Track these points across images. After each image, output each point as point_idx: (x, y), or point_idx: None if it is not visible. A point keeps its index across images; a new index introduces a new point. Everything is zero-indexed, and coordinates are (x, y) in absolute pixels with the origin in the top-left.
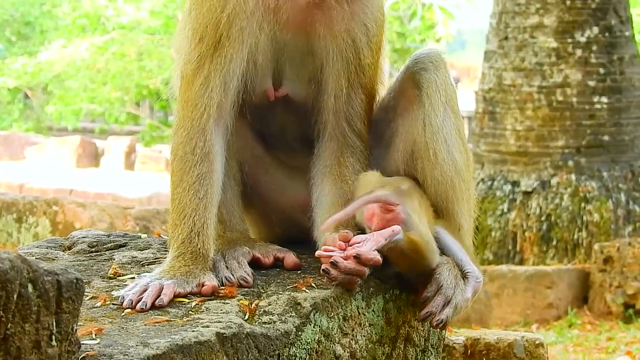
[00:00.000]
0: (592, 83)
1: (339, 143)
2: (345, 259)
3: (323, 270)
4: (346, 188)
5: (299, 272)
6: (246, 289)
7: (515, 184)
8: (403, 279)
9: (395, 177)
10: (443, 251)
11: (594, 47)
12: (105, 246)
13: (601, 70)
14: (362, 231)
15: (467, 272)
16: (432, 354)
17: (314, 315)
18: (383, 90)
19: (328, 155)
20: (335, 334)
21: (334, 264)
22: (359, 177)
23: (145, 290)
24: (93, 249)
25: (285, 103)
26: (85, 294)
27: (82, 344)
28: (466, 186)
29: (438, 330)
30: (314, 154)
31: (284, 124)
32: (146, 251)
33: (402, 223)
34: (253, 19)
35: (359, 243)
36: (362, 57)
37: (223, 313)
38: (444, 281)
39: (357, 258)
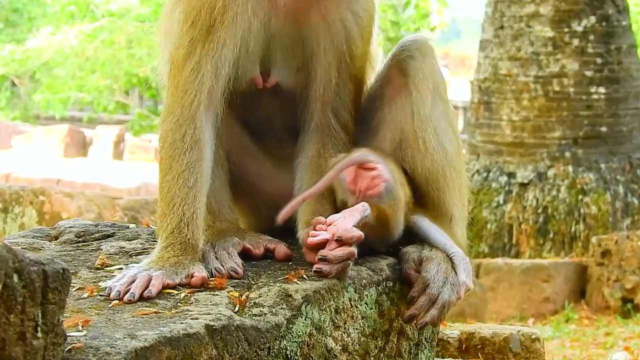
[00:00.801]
0: (589, 73)
1: (323, 134)
2: (331, 241)
3: (315, 271)
4: None
5: (290, 263)
6: (236, 281)
7: (511, 175)
8: (397, 270)
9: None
10: (424, 239)
11: (591, 37)
12: (92, 236)
13: (598, 60)
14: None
15: (452, 256)
16: (425, 347)
17: (306, 307)
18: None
19: (311, 146)
20: (327, 326)
21: (323, 259)
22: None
23: (133, 281)
24: (80, 239)
25: (273, 92)
26: (71, 284)
27: (68, 335)
28: (457, 175)
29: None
30: (298, 145)
31: (271, 114)
32: (134, 241)
33: (386, 182)
34: (248, 4)
35: (336, 221)
36: (353, 48)
37: (212, 305)
38: (430, 279)
39: (340, 241)
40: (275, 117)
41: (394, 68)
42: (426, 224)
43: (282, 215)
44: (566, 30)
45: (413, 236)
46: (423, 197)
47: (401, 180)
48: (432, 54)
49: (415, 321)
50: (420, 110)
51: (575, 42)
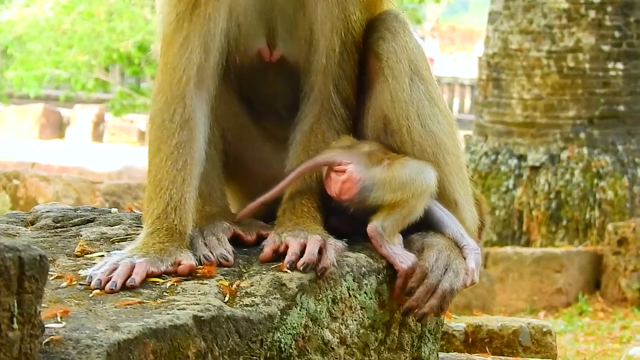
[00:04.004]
0: (606, 48)
1: (321, 108)
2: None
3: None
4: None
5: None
6: (226, 269)
7: (521, 158)
8: None
9: (361, 141)
10: (434, 225)
11: (609, 8)
12: (71, 221)
13: (616, 34)
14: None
15: (463, 246)
16: (429, 340)
17: (301, 297)
18: None
19: (307, 120)
20: (323, 318)
21: (290, 265)
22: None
23: (115, 269)
24: (58, 225)
25: (279, 66)
26: (49, 273)
27: (46, 327)
28: (452, 158)
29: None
30: (296, 118)
31: (276, 89)
32: (116, 227)
33: (357, 183)
34: None
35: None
36: (351, 15)
37: (201, 294)
38: (429, 268)
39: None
40: (280, 93)
41: (368, 51)
42: (438, 211)
43: (240, 216)
44: (582, 1)
45: (425, 222)
46: None
47: (397, 163)
48: (404, 30)
49: (413, 314)
50: (400, 95)
51: (592, 14)
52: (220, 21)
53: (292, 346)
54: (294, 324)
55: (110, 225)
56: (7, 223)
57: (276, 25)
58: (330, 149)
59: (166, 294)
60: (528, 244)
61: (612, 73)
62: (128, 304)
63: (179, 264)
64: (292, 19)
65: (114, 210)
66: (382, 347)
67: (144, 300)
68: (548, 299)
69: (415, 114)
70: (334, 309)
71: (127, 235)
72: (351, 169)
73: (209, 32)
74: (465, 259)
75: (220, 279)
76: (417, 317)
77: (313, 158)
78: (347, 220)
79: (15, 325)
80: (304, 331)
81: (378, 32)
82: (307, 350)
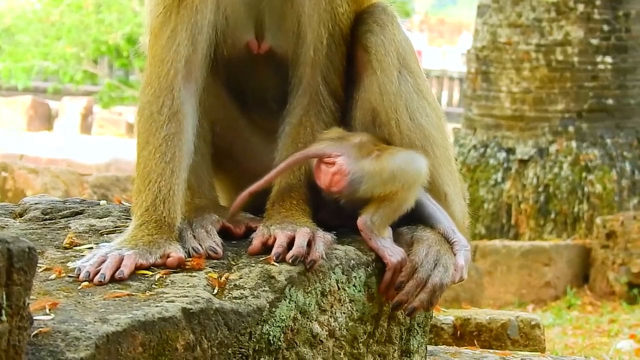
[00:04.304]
0: (595, 41)
1: (310, 100)
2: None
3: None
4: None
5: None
6: (215, 261)
7: (510, 151)
8: None
9: (351, 133)
10: (426, 220)
11: (597, 2)
12: (60, 213)
13: (605, 27)
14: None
15: (454, 242)
16: (418, 333)
17: (290, 290)
18: None
19: (295, 113)
20: (312, 310)
21: (277, 258)
22: (319, 135)
23: (103, 262)
24: (47, 217)
25: (267, 58)
26: (38, 265)
27: (35, 319)
28: (441, 150)
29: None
30: (284, 111)
31: (265, 82)
32: (105, 219)
33: (347, 175)
34: None
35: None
36: (336, 5)
37: (190, 287)
38: (418, 262)
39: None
40: (268, 86)
41: (356, 44)
42: (430, 206)
43: (232, 211)
44: None
45: (416, 216)
46: None
47: (389, 153)
48: (392, 23)
49: (403, 308)
50: (388, 88)
51: (580, 7)
52: (208, 13)
53: (281, 339)
54: (282, 316)
55: (99, 218)
56: None
57: (264, 17)
58: (320, 141)
59: (155, 286)
60: (516, 237)
61: (601, 67)
62: (117, 296)
63: (168, 257)
64: (280, 11)
65: (102, 202)
66: (371, 340)
67: (133, 293)
68: (536, 293)
69: (403, 107)
70: (322, 301)
71: (116, 227)
72: (341, 161)
73: (197, 24)
74: (455, 255)
75: (209, 272)
76: (407, 311)
77: (303, 150)
78: (336, 213)
79: (4, 317)
80: (292, 324)
81: (366, 24)
82: (296, 343)
